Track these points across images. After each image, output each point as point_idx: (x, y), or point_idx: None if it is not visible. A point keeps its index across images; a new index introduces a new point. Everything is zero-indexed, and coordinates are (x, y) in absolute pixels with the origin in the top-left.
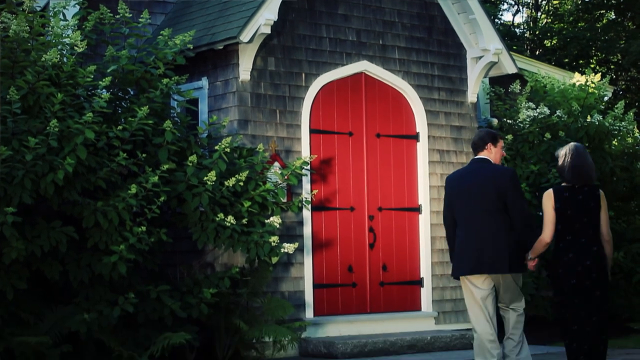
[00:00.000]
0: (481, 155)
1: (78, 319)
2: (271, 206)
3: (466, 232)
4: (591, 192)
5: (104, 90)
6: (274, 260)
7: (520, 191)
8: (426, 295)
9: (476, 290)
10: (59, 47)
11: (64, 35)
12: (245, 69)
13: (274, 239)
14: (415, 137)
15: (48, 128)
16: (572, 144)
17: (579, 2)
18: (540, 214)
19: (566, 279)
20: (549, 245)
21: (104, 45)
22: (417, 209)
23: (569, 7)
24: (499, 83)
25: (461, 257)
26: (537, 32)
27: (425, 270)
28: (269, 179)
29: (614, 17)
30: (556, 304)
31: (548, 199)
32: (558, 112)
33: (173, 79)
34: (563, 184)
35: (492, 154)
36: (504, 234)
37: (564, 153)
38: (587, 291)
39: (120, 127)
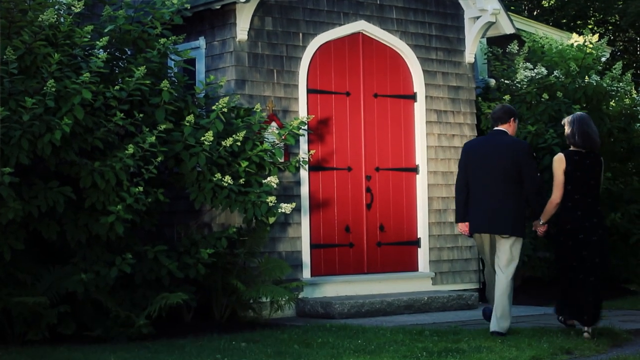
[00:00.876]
0: (502, 127)
1: (75, 279)
2: (268, 166)
3: (480, 195)
4: (596, 158)
5: (101, 50)
6: (271, 220)
7: (534, 163)
8: (423, 255)
9: (484, 247)
10: (56, 7)
11: None
12: (242, 29)
13: (271, 199)
14: (413, 97)
15: (45, 88)
16: (579, 113)
17: None
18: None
19: (574, 233)
20: (559, 205)
21: (101, 5)
22: (415, 170)
23: None
24: (496, 43)
25: (474, 216)
26: None
27: (422, 231)
28: (266, 139)
29: None
30: (559, 256)
31: (559, 162)
32: (556, 73)
33: (170, 38)
34: (571, 149)
35: (512, 128)
36: (513, 201)
37: (572, 121)
38: (593, 245)
39: (117, 87)
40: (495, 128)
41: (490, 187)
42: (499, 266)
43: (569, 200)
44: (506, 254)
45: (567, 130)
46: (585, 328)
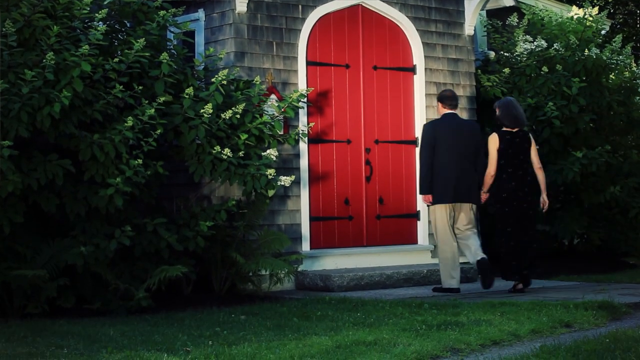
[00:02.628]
0: (454, 111)
1: (75, 252)
2: (268, 139)
3: (447, 170)
4: (525, 136)
5: (100, 22)
6: (271, 193)
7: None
8: (422, 228)
9: (446, 215)
10: None
11: None
12: (241, 1)
13: (271, 172)
14: (412, 69)
15: (44, 61)
16: (507, 97)
17: None
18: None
19: (509, 201)
20: (494, 177)
21: None
22: (414, 142)
23: None
24: (496, 16)
25: (444, 189)
26: None
27: (421, 204)
28: (265, 112)
29: None
30: (498, 221)
31: (493, 141)
32: (555, 46)
33: (170, 11)
34: (503, 129)
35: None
36: (472, 174)
37: (500, 105)
38: (524, 211)
39: (116, 60)
40: (449, 111)
41: (457, 163)
42: (465, 228)
43: (504, 172)
44: (470, 217)
45: (497, 113)
46: (520, 286)
